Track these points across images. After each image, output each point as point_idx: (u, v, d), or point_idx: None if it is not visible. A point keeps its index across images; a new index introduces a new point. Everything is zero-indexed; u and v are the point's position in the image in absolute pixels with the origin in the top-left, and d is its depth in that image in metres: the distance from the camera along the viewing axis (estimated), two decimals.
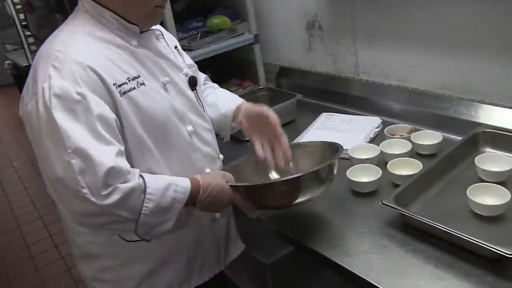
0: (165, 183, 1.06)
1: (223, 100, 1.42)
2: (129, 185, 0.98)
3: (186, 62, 1.33)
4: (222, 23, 2.19)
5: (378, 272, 1.06)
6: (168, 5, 1.87)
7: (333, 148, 1.28)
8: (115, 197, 0.96)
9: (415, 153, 1.48)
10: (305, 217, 1.33)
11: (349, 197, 1.36)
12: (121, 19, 1.09)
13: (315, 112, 1.93)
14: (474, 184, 1.19)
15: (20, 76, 5.45)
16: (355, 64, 1.94)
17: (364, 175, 1.38)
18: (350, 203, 1.34)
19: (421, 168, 1.33)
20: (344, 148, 1.52)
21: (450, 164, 1.36)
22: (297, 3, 2.08)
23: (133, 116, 1.07)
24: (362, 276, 1.06)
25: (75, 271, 2.92)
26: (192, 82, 1.25)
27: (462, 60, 1.57)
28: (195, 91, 1.26)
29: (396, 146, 1.50)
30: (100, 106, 0.99)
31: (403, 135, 1.59)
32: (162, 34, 1.23)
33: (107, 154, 0.96)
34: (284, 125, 1.87)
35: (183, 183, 1.09)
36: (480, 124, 1.49)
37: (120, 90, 1.04)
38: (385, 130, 1.61)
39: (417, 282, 1.01)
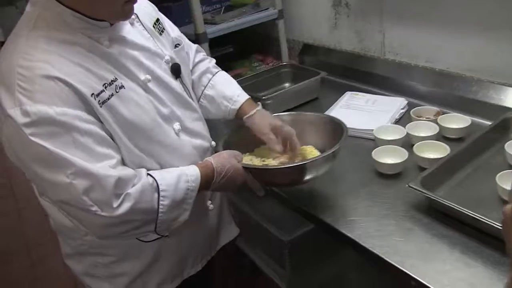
0: (176, 176, 1.03)
1: (224, 99, 1.32)
2: (138, 187, 0.95)
3: (171, 35, 1.23)
4: None
5: (402, 255, 1.05)
6: None
7: (336, 125, 1.29)
8: (127, 204, 0.93)
9: (441, 136, 1.46)
10: (327, 196, 1.33)
11: (373, 178, 1.35)
12: (85, 17, 0.95)
13: (339, 91, 1.90)
14: (504, 171, 1.17)
15: None
16: (381, 43, 1.90)
17: (390, 157, 1.37)
18: (375, 184, 1.32)
19: (448, 151, 1.31)
20: (369, 128, 1.53)
21: (479, 149, 1.33)
22: None
23: (116, 126, 0.97)
24: (385, 258, 1.06)
25: None
26: (175, 70, 1.15)
27: (492, 42, 1.52)
28: (179, 78, 1.17)
29: (422, 129, 1.48)
30: (84, 122, 0.90)
31: (429, 118, 1.57)
32: (137, 16, 1.11)
33: (109, 168, 0.92)
34: (306, 103, 1.89)
35: (193, 171, 1.06)
36: (510, 109, 1.46)
37: (99, 100, 0.94)
38: (411, 112, 1.58)
39: (443, 267, 1.00)
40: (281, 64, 2.15)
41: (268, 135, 1.25)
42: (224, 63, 2.26)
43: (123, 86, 0.99)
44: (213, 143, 1.28)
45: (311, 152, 1.34)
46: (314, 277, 1.81)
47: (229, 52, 2.43)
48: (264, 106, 1.75)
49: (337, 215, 1.23)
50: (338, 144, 1.18)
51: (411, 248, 1.07)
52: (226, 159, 1.13)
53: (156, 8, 1.25)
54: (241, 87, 1.88)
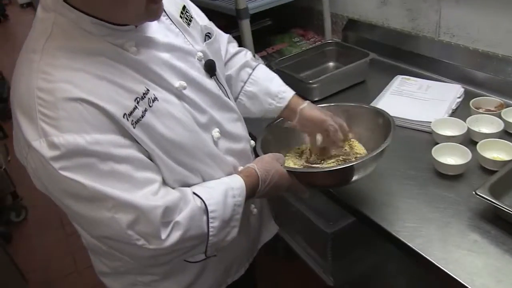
0: (222, 192, 0.93)
1: (268, 96, 1.22)
2: (187, 213, 0.86)
3: (200, 23, 1.09)
4: None
5: (469, 272, 0.97)
6: None
7: (384, 119, 1.20)
8: (177, 234, 0.84)
9: (505, 132, 1.35)
10: (379, 195, 1.24)
11: (432, 178, 1.25)
12: (105, 23, 0.81)
13: (388, 74, 1.79)
14: None
15: None
16: (437, 23, 1.76)
17: (450, 155, 1.27)
18: (434, 185, 1.23)
19: None
20: (426, 120, 1.42)
21: None
22: None
23: (153, 145, 0.86)
24: (453, 276, 0.98)
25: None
26: (210, 68, 1.02)
27: None
28: (214, 77, 1.05)
29: (484, 123, 1.37)
30: (119, 147, 0.80)
31: (490, 110, 1.45)
32: (164, 11, 0.95)
33: (150, 197, 0.82)
34: (353, 86, 1.78)
35: (238, 184, 0.97)
36: None
37: (132, 120, 0.82)
38: (470, 103, 1.46)
39: None
40: (325, 41, 2.02)
41: (329, 121, 1.16)
42: (262, 38, 2.16)
43: (156, 98, 0.87)
44: (252, 142, 1.20)
45: (356, 147, 1.28)
46: (356, 268, 1.76)
47: (267, 26, 2.31)
48: (308, 90, 1.67)
49: (391, 218, 1.15)
50: (387, 142, 1.09)
51: (479, 264, 0.99)
52: (270, 164, 1.05)
53: None
54: (283, 66, 1.79)
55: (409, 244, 1.07)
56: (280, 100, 1.20)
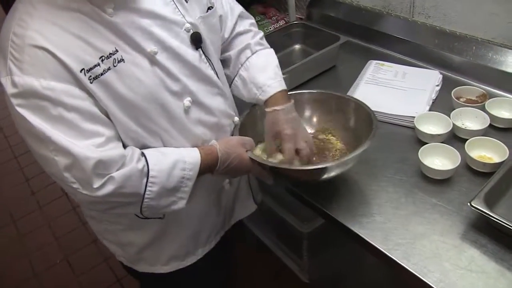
0: (171, 161, 0.98)
1: (254, 86, 1.19)
2: (125, 172, 0.91)
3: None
4: None
5: None
6: None
7: (366, 115, 1.16)
8: (109, 187, 0.90)
9: (489, 125, 1.26)
10: (360, 203, 1.15)
11: (418, 182, 1.17)
12: None
13: (360, 57, 1.68)
14: None
15: None
16: (411, 2, 1.64)
17: (437, 156, 1.19)
18: (421, 191, 1.14)
19: (508, 154, 1.13)
20: (407, 115, 1.33)
21: None
22: None
23: (110, 102, 0.92)
24: None
25: (81, 210, 2.78)
26: (195, 40, 1.03)
27: None
28: (200, 49, 1.05)
29: (468, 117, 1.30)
30: (72, 97, 0.87)
31: (472, 100, 1.37)
32: None
33: (91, 147, 0.88)
34: (323, 73, 1.66)
35: (192, 159, 1.01)
36: None
37: (90, 76, 0.88)
38: (452, 93, 1.37)
39: None
40: (291, 23, 1.87)
41: (285, 140, 1.13)
42: None
43: (122, 59, 0.91)
44: (236, 119, 1.19)
45: (334, 147, 1.24)
46: (331, 265, 1.69)
47: None
48: None
49: (379, 233, 1.06)
50: (364, 146, 1.05)
51: (480, 286, 0.92)
52: (233, 147, 1.08)
53: None
54: None
55: (403, 264, 0.99)
56: (263, 93, 1.17)
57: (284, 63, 1.51)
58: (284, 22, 2.03)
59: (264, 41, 1.28)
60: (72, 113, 0.87)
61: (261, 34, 1.28)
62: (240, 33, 1.24)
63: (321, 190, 1.20)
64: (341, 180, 1.22)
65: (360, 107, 1.19)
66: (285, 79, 1.47)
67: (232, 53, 1.23)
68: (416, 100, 1.40)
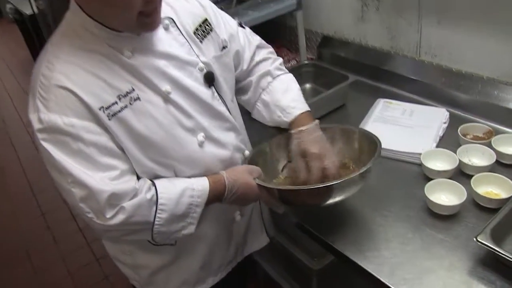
0: (180, 190, 1.03)
1: (277, 108, 1.23)
2: (134, 202, 0.97)
3: (220, 36, 1.16)
4: None
5: None
6: None
7: (370, 140, 1.19)
8: (120, 217, 0.96)
9: (496, 162, 1.28)
10: (368, 238, 1.16)
11: (426, 218, 1.18)
12: (107, 28, 0.95)
13: (369, 96, 1.72)
14: None
15: (23, 23, 5.11)
16: (417, 42, 1.69)
17: (443, 192, 1.21)
18: (428, 226, 1.15)
19: None
20: (414, 152, 1.35)
21: None
22: None
23: (125, 139, 0.98)
24: None
25: (95, 245, 2.82)
26: (208, 79, 1.09)
27: None
28: (212, 87, 1.11)
29: (474, 153, 1.32)
30: (91, 133, 0.94)
31: (479, 137, 1.39)
32: (174, 21, 1.06)
33: (106, 180, 0.95)
34: (333, 111, 1.70)
35: (201, 186, 1.06)
36: None
37: (109, 113, 0.95)
38: (458, 130, 1.40)
39: None
40: (301, 63, 1.94)
41: (312, 159, 1.15)
42: None
43: (138, 98, 0.98)
44: (247, 152, 1.23)
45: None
46: None
47: None
48: None
49: (387, 269, 1.06)
50: (367, 166, 1.06)
51: None
52: (240, 175, 1.12)
53: (210, 6, 1.19)
54: None
55: None
56: (287, 115, 1.21)
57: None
58: (296, 62, 2.09)
59: (283, 67, 1.33)
60: (90, 147, 0.93)
61: (280, 60, 1.34)
62: (260, 61, 1.29)
63: (329, 225, 1.22)
64: (349, 215, 1.24)
65: (365, 135, 1.22)
66: None
67: (252, 78, 1.28)
68: (423, 137, 1.43)
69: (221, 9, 1.76)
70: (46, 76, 0.93)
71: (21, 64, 6.26)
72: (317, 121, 1.21)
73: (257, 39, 1.32)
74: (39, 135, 0.93)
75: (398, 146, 1.39)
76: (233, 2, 1.88)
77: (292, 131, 1.19)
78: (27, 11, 4.79)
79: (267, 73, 1.27)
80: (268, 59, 1.30)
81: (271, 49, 1.34)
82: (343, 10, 1.93)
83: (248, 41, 1.28)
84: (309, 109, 1.23)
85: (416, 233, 1.14)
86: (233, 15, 1.72)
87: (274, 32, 2.24)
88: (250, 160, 1.21)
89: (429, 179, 1.24)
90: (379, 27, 1.81)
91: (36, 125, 0.93)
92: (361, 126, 1.54)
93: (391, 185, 1.30)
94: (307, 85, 1.87)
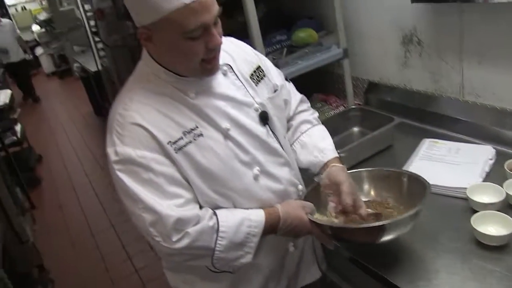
0: (238, 219, 1.13)
1: (316, 149, 1.35)
2: (198, 228, 1.08)
3: (272, 81, 1.31)
4: (309, 37, 2.06)
5: None
6: (254, 17, 1.78)
7: (418, 182, 1.24)
8: (185, 241, 1.07)
9: None
10: (424, 273, 1.19)
11: (474, 249, 1.21)
12: (174, 74, 1.11)
13: (414, 136, 1.78)
14: None
15: (88, 80, 5.58)
16: (460, 83, 1.76)
17: (491, 224, 1.23)
18: (477, 257, 1.19)
19: None
20: (460, 186, 1.39)
21: None
22: (392, 15, 1.91)
23: (190, 170, 1.10)
24: None
25: (142, 272, 2.99)
26: (263, 118, 1.22)
27: None
28: (267, 125, 1.23)
29: None
30: (160, 164, 1.07)
31: None
32: (231, 67, 1.21)
33: (173, 207, 1.06)
34: (380, 152, 1.77)
35: (257, 217, 1.15)
36: None
37: (175, 147, 1.08)
38: (505, 165, 1.43)
39: None
40: (349, 107, 2.04)
41: (344, 187, 1.23)
42: None
43: (201, 134, 1.11)
44: (301, 187, 1.32)
45: (391, 213, 1.27)
46: None
47: None
48: None
49: None
50: (418, 207, 1.11)
51: None
52: (294, 209, 1.20)
53: (263, 57, 1.37)
54: None
55: None
56: (324, 156, 1.32)
57: (342, 144, 1.67)
58: (344, 108, 2.19)
59: (319, 120, 1.47)
60: (159, 177, 1.06)
61: (317, 114, 1.48)
62: (301, 111, 1.44)
63: (380, 257, 1.26)
64: (399, 247, 1.28)
65: (413, 177, 1.27)
66: (343, 157, 1.61)
67: (293, 122, 1.42)
68: (469, 173, 1.47)
69: (273, 59, 1.94)
70: (122, 115, 1.08)
71: (84, 118, 6.82)
72: (345, 166, 1.31)
73: (299, 95, 1.47)
74: (115, 166, 1.07)
75: (444, 182, 1.44)
76: (283, 53, 2.03)
77: (327, 168, 1.29)
78: (92, 68, 5.25)
79: (307, 121, 1.42)
80: (308, 110, 1.46)
81: (309, 104, 1.50)
82: (387, 57, 2.04)
83: (293, 93, 1.44)
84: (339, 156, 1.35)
85: (465, 263, 1.18)
86: (283, 65, 1.89)
87: (323, 80, 2.37)
88: (306, 196, 1.29)
89: (476, 213, 1.28)
90: (422, 71, 1.90)
91: (113, 157, 1.07)
92: (407, 164, 1.60)
93: (438, 219, 1.34)
94: (355, 129, 1.96)
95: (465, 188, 1.36)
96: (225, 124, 1.14)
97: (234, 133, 1.15)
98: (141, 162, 1.05)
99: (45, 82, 10.33)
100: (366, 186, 1.39)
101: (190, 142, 1.10)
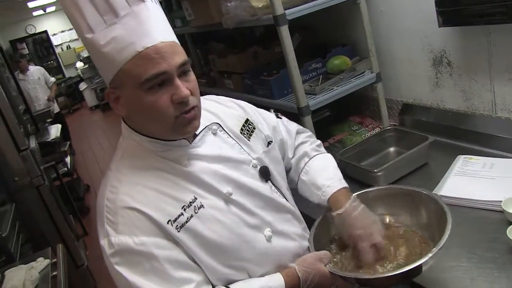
0: None
1: (314, 187, 1.27)
2: None
3: (264, 132, 1.24)
4: (343, 64, 2.17)
5: None
6: (290, 47, 1.85)
7: (437, 207, 1.18)
8: None
9: None
10: (459, 281, 1.25)
11: (511, 258, 1.26)
12: (158, 140, 1.02)
13: (449, 154, 1.84)
14: None
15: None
16: (492, 101, 1.83)
17: None
18: None
19: None
20: (495, 200, 1.45)
21: None
22: (421, 39, 2.01)
23: (196, 248, 1.01)
24: None
25: None
26: (264, 173, 1.15)
27: None
28: (269, 181, 1.17)
29: None
30: (162, 248, 0.96)
31: None
32: (220, 125, 1.14)
33: None
34: (416, 170, 1.84)
35: (276, 282, 1.07)
36: None
37: (177, 225, 0.99)
38: None
39: None
40: (384, 128, 2.13)
41: (358, 241, 1.16)
42: (323, 129, 2.28)
43: (202, 205, 1.02)
44: (307, 235, 1.25)
45: (413, 243, 1.22)
46: None
47: (326, 116, 2.45)
48: (373, 178, 1.74)
49: None
50: (441, 244, 1.06)
51: None
52: (312, 265, 1.11)
53: (248, 106, 1.27)
54: (346, 156, 1.86)
55: None
56: (324, 194, 1.24)
57: (379, 164, 1.75)
58: (379, 129, 2.28)
59: (322, 148, 1.40)
60: (163, 264, 0.95)
61: (318, 142, 1.41)
62: (298, 145, 1.37)
63: (425, 279, 1.25)
64: (440, 267, 1.31)
65: (432, 200, 1.23)
66: (379, 177, 1.69)
67: (292, 161, 1.35)
68: (503, 186, 1.52)
69: (310, 86, 2.04)
70: (112, 200, 0.97)
71: (112, 125, 7.38)
72: (354, 196, 1.22)
73: (294, 126, 1.39)
74: (112, 260, 0.95)
75: (480, 196, 1.50)
76: (319, 80, 2.15)
77: (332, 214, 1.20)
78: None
79: (305, 155, 1.34)
80: (306, 142, 1.38)
81: (309, 133, 1.43)
82: (419, 79, 2.13)
83: (287, 130, 1.35)
84: (346, 185, 1.25)
85: (502, 272, 1.23)
86: (320, 92, 2.00)
87: (358, 103, 2.47)
88: (314, 236, 1.22)
89: None
90: (453, 91, 1.98)
91: (108, 250, 0.95)
92: (442, 181, 1.66)
93: (474, 232, 1.39)
94: (391, 149, 2.04)
95: (501, 201, 1.42)
96: (226, 188, 1.06)
97: (236, 196, 1.07)
98: (140, 250, 0.94)
99: (89, 115, 10.92)
100: (379, 209, 1.34)
101: (192, 216, 1.00)
